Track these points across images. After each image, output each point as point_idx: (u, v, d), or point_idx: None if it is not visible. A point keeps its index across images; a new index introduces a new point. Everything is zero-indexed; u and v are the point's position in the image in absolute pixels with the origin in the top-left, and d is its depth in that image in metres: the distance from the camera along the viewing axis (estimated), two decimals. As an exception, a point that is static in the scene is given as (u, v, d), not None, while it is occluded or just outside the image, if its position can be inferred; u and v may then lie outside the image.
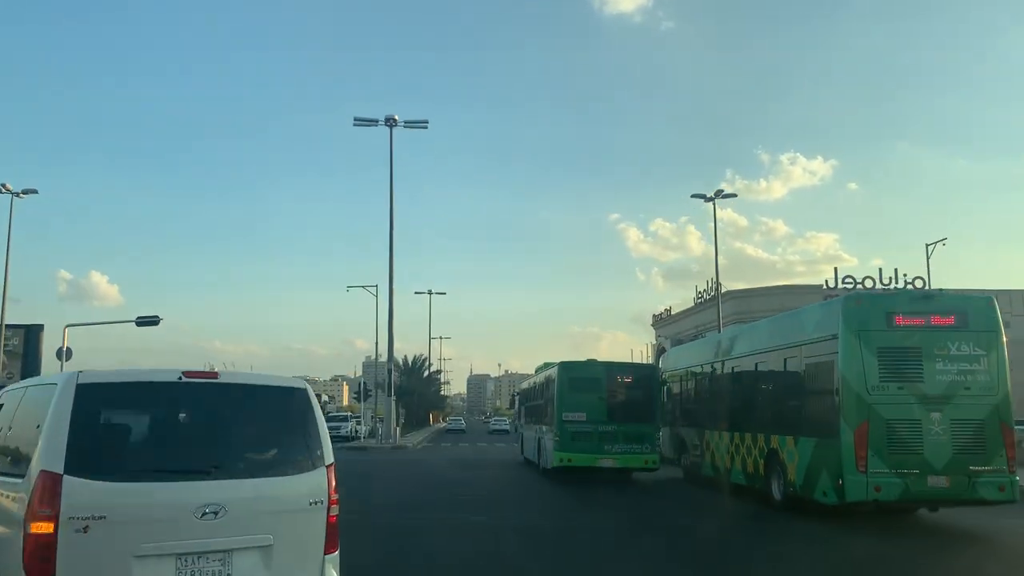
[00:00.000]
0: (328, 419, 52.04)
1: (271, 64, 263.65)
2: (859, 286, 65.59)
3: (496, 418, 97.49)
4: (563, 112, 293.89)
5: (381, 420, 44.31)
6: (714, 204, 41.04)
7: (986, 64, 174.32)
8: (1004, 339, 11.59)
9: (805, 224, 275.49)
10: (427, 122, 38.05)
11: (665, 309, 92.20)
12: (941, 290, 28.65)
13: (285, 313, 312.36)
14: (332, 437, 32.63)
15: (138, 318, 39.17)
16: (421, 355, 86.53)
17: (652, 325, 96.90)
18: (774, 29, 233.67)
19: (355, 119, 37.06)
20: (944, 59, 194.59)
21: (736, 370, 16.15)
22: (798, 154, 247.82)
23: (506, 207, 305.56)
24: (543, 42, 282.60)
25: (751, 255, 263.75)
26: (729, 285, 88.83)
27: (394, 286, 38.45)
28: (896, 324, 11.46)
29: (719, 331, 33.35)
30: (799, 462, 12.56)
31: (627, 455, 18.71)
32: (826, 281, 66.51)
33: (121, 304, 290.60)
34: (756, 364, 15.04)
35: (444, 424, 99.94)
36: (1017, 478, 11.20)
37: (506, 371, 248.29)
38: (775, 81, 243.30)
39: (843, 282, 65.91)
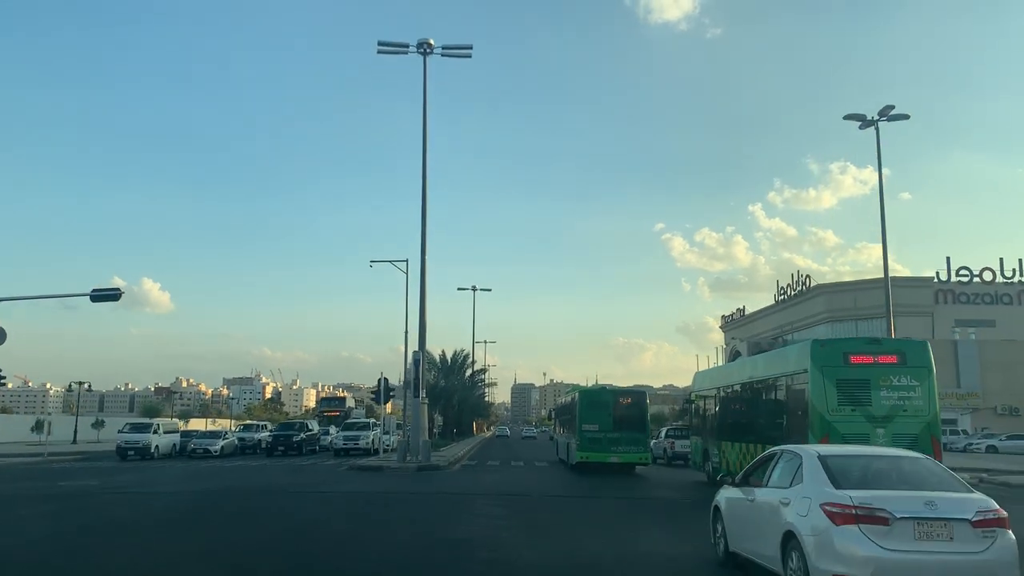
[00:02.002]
0: (344, 427, 41.57)
1: (304, 72, 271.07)
2: (976, 279, 62.88)
3: (527, 428, 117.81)
4: (607, 120, 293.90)
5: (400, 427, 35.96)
6: (877, 130, 30.24)
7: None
8: (935, 372, 15.26)
9: (855, 235, 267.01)
10: (471, 48, 30.77)
11: (737, 310, 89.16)
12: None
13: (333, 322, 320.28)
14: (348, 450, 35.71)
15: (93, 291, 31.24)
16: (463, 351, 70.08)
17: (721, 328, 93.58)
18: (822, 35, 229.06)
19: (379, 44, 30.30)
20: (1001, 63, 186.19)
21: (743, 393, 19.95)
22: (848, 163, 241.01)
23: (549, 215, 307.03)
24: (588, 50, 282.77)
25: (800, 265, 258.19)
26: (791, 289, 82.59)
27: (427, 257, 30.27)
28: (851, 362, 15.09)
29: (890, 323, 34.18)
30: (784, 465, 16.32)
31: (627, 454, 25.65)
32: (937, 273, 63.95)
33: (172, 311, 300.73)
34: (756, 389, 18.84)
35: (491, 433, 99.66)
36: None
37: (551, 380, 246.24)
38: (823, 88, 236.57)
39: (958, 274, 63.14)
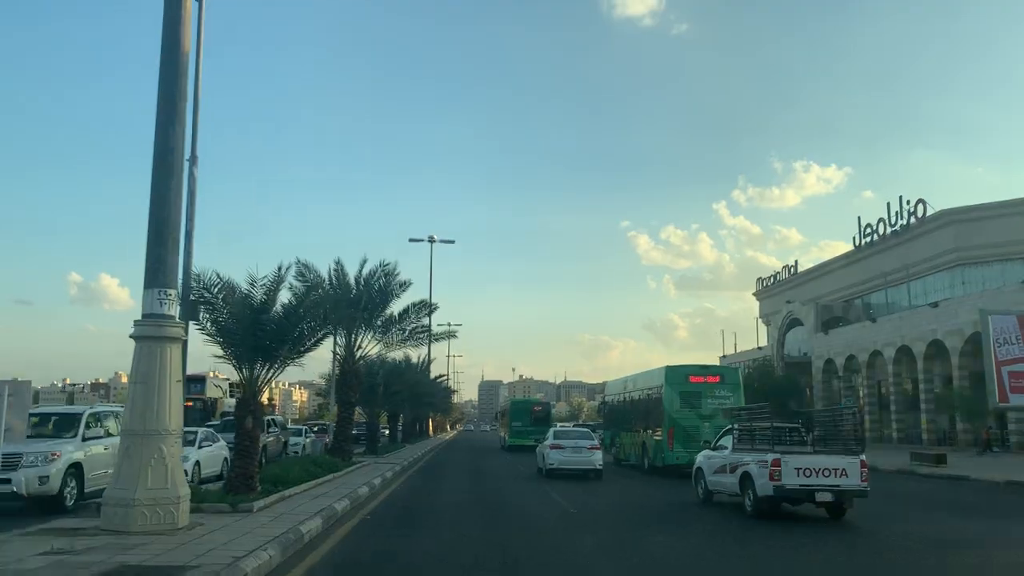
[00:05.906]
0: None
1: (273, 67, 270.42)
2: None
3: (488, 424, 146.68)
4: (571, 116, 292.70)
5: (320, 430, 31.66)
6: None
7: (1008, 70, 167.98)
8: (743, 387, 23.88)
9: (819, 233, 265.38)
10: None
11: (785, 267, 71.75)
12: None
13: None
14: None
15: None
16: (388, 263, 26.47)
17: (755, 295, 78.57)
18: (788, 34, 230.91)
19: None
20: (964, 65, 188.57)
21: (631, 398, 28.38)
22: (812, 162, 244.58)
23: (514, 213, 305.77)
24: (552, 46, 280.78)
25: (764, 263, 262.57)
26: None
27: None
28: (690, 381, 23.59)
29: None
30: (652, 447, 24.72)
31: (538, 439, 36.67)
32: None
33: (132, 307, 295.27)
34: (638, 395, 27.28)
35: (454, 433, 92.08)
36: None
37: (520, 376, 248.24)
38: (789, 87, 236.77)
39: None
